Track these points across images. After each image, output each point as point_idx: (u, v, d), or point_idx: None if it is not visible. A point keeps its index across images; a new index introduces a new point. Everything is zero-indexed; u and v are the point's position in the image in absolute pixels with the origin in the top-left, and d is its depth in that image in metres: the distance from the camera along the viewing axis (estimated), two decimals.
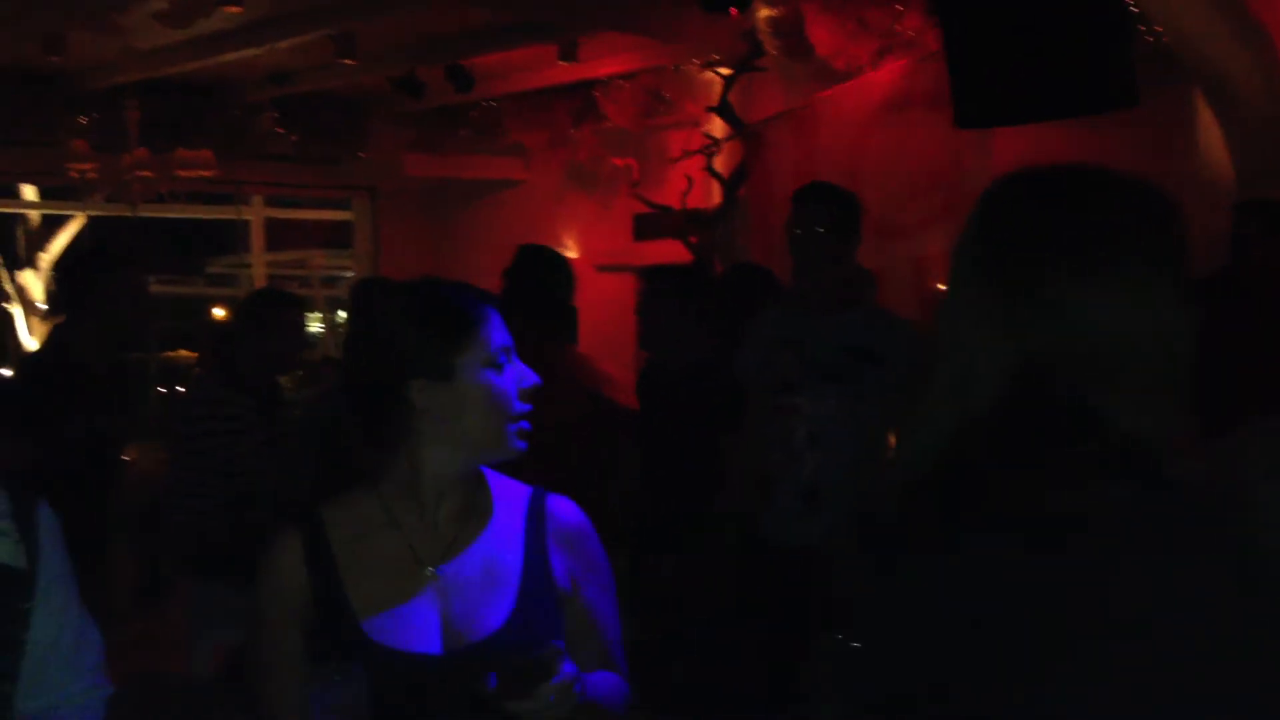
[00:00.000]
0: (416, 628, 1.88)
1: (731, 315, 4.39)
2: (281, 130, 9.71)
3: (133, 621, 4.47)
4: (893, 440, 3.70)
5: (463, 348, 1.90)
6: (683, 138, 7.94)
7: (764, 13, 6.65)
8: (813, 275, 3.99)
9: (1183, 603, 1.11)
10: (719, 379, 4.19)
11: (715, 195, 8.01)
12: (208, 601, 4.37)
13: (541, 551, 1.97)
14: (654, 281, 4.60)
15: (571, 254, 8.61)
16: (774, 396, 3.95)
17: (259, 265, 12.95)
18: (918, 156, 5.69)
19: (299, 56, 8.16)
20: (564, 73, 8.38)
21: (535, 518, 1.99)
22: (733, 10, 6.78)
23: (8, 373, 4.21)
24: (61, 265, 4.44)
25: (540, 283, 4.19)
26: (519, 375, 1.94)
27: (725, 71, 7.63)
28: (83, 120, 9.02)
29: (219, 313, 17.27)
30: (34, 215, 13.45)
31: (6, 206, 13.29)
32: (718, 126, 7.82)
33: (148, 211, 10.35)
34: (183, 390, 10.57)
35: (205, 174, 8.92)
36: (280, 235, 13.77)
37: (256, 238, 12.76)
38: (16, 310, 13.40)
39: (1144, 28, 5.15)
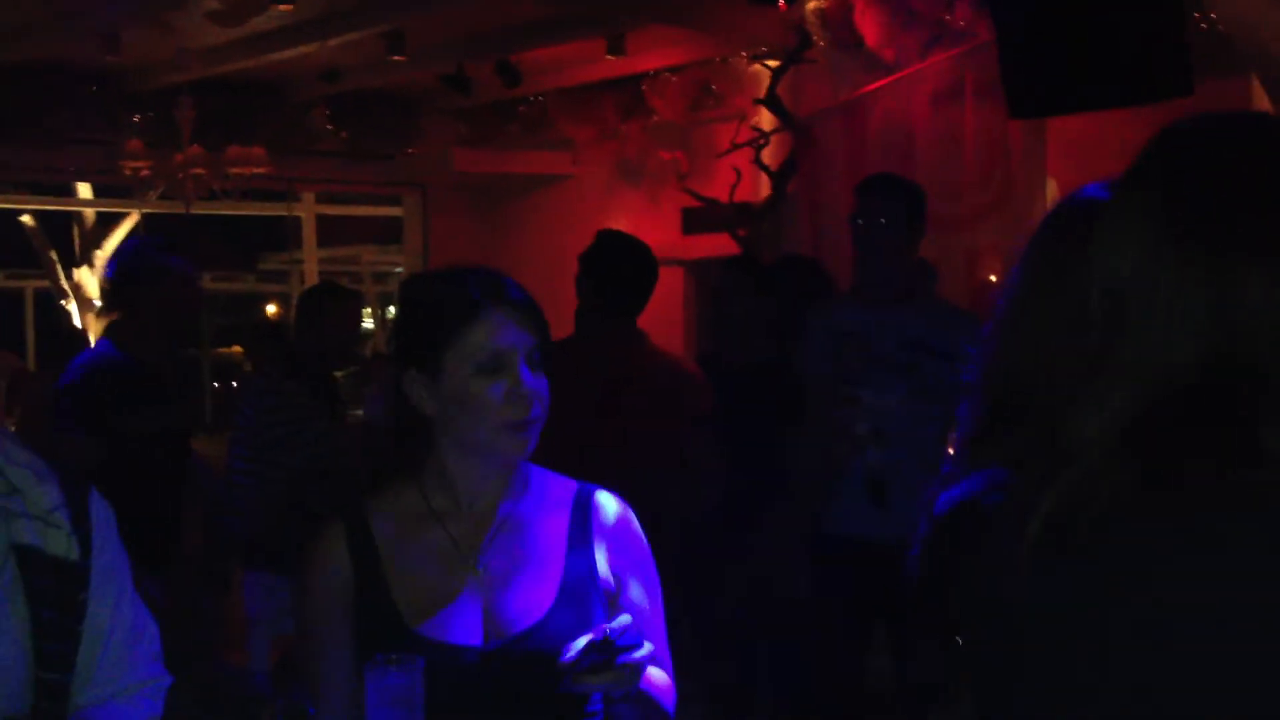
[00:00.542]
0: (456, 619, 1.88)
1: (782, 307, 4.39)
2: (332, 127, 9.77)
3: (203, 612, 4.52)
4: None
5: (448, 343, 1.87)
6: (731, 131, 7.90)
7: (812, 4, 6.62)
8: (876, 267, 3.97)
9: None
10: (781, 373, 4.17)
11: (764, 188, 7.97)
12: (267, 593, 4.43)
13: (585, 547, 1.96)
14: (736, 275, 4.53)
15: None
16: (836, 389, 3.94)
17: (310, 261, 13.05)
18: (969, 148, 5.65)
19: (349, 54, 8.21)
20: (611, 67, 8.37)
21: (581, 513, 1.99)
22: (780, 2, 6.77)
23: (69, 371, 4.25)
24: (115, 262, 4.49)
25: (615, 268, 4.00)
26: (517, 381, 1.87)
27: (773, 64, 7.59)
28: (137, 119, 9.12)
29: (270, 309, 17.43)
30: (89, 213, 13.59)
31: (63, 205, 13.47)
32: (766, 119, 7.78)
33: (201, 209, 10.44)
34: (239, 384, 10.69)
35: (257, 171, 8.99)
36: (331, 231, 13.85)
37: (308, 234, 12.86)
38: (72, 307, 13.56)
39: (1199, 15, 5.09)
